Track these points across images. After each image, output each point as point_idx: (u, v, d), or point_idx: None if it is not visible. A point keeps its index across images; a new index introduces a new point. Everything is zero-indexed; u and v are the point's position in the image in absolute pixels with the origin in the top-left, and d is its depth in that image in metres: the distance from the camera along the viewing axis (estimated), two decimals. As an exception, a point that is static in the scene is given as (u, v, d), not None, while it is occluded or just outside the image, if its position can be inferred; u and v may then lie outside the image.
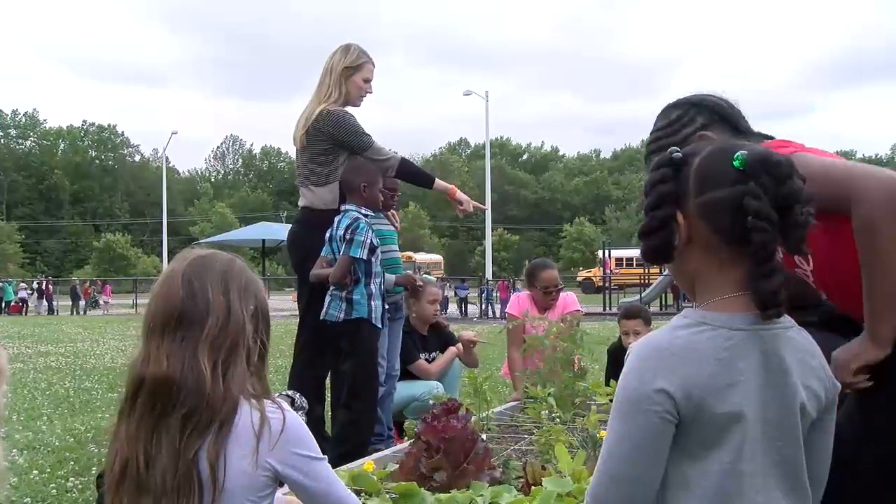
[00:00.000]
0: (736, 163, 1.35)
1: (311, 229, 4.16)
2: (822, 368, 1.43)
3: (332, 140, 4.16)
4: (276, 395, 1.79)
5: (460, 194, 4.53)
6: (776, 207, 1.33)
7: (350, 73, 4.25)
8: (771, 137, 2.02)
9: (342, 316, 3.96)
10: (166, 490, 1.56)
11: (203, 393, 1.57)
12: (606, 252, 31.29)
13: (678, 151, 1.43)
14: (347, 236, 3.93)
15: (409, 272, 5.02)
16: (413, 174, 4.48)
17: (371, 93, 4.37)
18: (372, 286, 4.00)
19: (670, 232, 1.40)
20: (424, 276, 5.70)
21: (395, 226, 4.68)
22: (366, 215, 4.04)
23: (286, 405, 1.67)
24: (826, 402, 1.43)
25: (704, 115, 2.06)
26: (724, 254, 1.38)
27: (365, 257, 3.93)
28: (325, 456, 1.73)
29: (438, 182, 4.51)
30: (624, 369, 1.39)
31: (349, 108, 4.31)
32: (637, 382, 1.35)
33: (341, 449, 3.68)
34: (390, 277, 4.43)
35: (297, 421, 1.67)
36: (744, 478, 1.33)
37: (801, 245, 1.38)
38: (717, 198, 1.36)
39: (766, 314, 1.34)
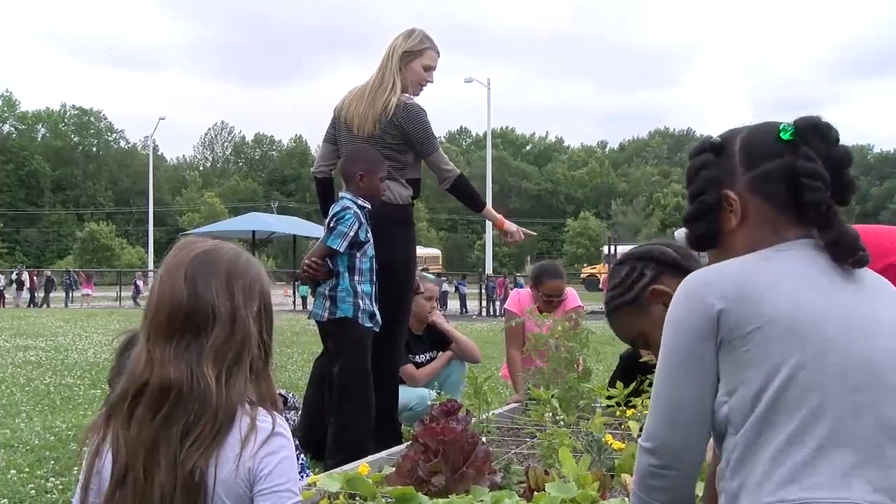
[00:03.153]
0: (785, 135, 1.44)
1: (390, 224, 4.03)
2: None
3: (402, 135, 4.06)
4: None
5: (508, 224, 4.48)
6: (829, 168, 1.41)
7: (410, 58, 4.11)
8: None
9: (326, 315, 3.84)
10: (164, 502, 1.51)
11: (208, 404, 1.52)
12: (612, 248, 29.04)
13: (716, 137, 1.52)
14: (331, 225, 3.81)
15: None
16: (466, 193, 4.37)
17: (432, 82, 4.24)
18: (358, 283, 3.84)
19: (717, 216, 1.47)
20: (420, 272, 5.52)
21: None
22: (362, 207, 3.85)
23: (280, 418, 1.60)
24: None
25: (651, 267, 2.10)
26: (779, 222, 1.43)
27: (342, 249, 3.77)
28: (300, 497, 1.60)
29: (489, 209, 4.46)
30: None
31: None
32: None
33: (339, 456, 3.55)
34: None
35: (285, 438, 1.58)
36: None
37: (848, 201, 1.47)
38: (770, 168, 1.44)
39: (848, 262, 1.38)
